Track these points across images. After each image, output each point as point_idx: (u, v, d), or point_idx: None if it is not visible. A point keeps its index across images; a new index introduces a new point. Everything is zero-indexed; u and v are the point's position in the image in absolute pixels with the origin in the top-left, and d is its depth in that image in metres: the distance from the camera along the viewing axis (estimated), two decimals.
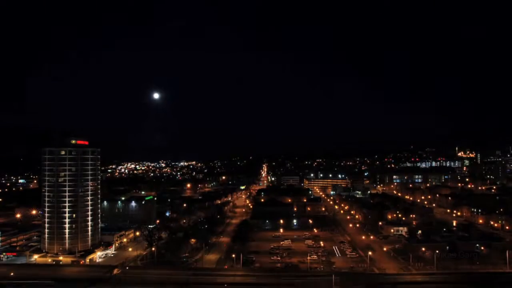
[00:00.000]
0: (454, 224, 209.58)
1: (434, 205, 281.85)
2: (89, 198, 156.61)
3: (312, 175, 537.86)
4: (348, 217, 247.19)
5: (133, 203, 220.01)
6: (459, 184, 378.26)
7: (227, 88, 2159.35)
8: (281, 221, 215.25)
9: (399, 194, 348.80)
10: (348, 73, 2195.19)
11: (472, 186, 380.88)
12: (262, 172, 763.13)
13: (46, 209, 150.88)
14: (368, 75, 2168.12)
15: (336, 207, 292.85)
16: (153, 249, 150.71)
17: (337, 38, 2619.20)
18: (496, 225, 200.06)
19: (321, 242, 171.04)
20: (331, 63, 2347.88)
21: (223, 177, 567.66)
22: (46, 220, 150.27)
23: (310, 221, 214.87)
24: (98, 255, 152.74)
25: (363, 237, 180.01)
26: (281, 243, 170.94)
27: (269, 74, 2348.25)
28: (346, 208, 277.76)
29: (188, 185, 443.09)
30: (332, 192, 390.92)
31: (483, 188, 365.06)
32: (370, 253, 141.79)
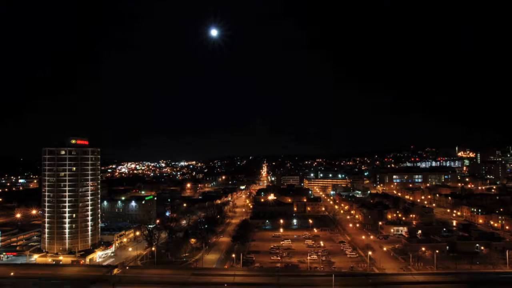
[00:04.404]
0: (454, 224, 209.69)
1: (434, 205, 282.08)
2: (89, 198, 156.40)
3: (312, 175, 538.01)
4: (348, 217, 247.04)
5: (133, 203, 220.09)
6: (459, 184, 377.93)
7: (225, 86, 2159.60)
8: (281, 221, 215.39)
9: (399, 194, 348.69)
10: (349, 74, 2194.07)
11: (472, 186, 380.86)
12: (262, 172, 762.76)
13: (46, 209, 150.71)
14: (369, 76, 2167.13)
15: (336, 207, 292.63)
16: (153, 249, 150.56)
17: (338, 37, 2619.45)
18: (496, 225, 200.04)
19: (321, 242, 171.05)
20: (331, 63, 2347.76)
21: (223, 177, 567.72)
22: (46, 220, 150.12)
23: (310, 221, 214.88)
24: (98, 255, 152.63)
25: (363, 237, 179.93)
26: (281, 243, 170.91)
27: (269, 73, 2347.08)
28: (346, 208, 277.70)
29: (188, 185, 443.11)
30: (332, 192, 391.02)
31: (483, 188, 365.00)
32: (370, 253, 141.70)
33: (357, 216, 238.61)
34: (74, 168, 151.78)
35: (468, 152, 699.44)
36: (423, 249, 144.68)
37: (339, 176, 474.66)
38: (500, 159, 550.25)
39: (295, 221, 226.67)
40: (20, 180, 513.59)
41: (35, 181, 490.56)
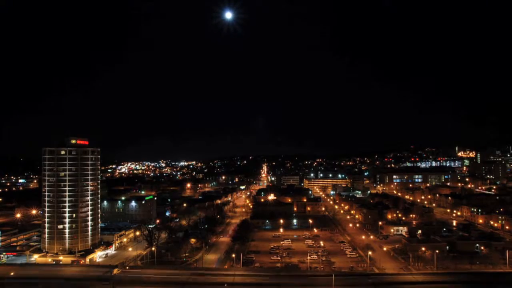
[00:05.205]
0: (454, 224, 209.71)
1: (434, 205, 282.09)
2: (89, 198, 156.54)
3: (312, 175, 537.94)
4: (348, 217, 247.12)
5: (133, 203, 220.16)
6: (459, 184, 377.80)
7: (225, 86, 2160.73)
8: (281, 221, 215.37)
9: (399, 194, 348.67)
10: (348, 73, 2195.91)
11: (472, 186, 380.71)
12: (262, 172, 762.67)
13: (46, 209, 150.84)
14: (369, 76, 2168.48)
15: (336, 207, 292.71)
16: (153, 249, 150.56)
17: (337, 34, 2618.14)
18: (496, 225, 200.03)
19: (321, 242, 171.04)
20: (330, 63, 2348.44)
21: (223, 177, 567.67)
22: (46, 220, 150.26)
23: (310, 221, 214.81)
24: (98, 255, 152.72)
25: (363, 237, 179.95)
26: (281, 243, 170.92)
27: (269, 72, 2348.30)
28: (346, 208, 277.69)
29: (188, 185, 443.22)
30: (332, 192, 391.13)
31: (483, 188, 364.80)
32: (370, 253, 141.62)
33: (357, 216, 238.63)
34: (74, 168, 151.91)
35: (468, 152, 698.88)
36: (423, 249, 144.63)
37: (339, 176, 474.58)
38: (500, 159, 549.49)
39: (295, 221, 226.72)
40: (20, 180, 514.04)
41: (35, 181, 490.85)
